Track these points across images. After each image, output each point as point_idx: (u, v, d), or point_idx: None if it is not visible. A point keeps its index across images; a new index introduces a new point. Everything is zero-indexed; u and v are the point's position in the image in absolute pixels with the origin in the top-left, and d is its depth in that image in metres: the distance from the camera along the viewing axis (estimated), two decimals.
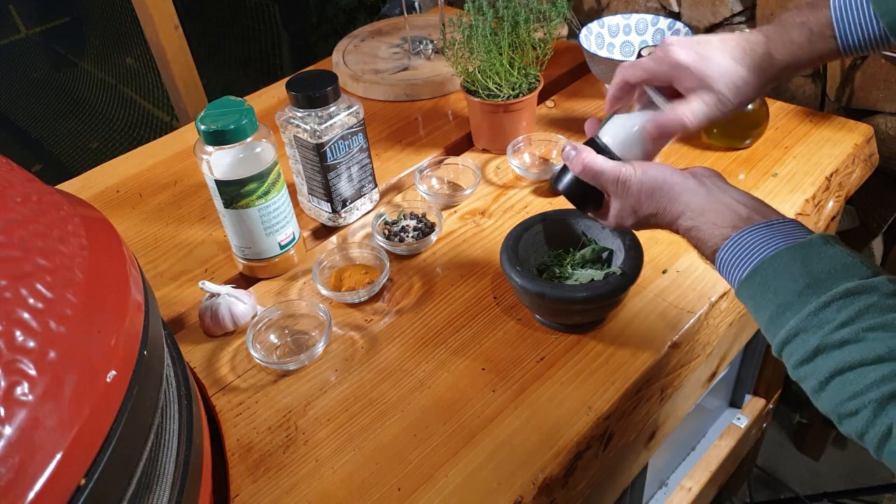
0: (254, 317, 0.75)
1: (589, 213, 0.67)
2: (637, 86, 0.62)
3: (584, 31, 1.07)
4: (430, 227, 0.84)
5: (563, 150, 0.63)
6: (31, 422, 0.35)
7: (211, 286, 0.74)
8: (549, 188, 0.89)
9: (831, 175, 0.87)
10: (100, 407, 0.39)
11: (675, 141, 0.95)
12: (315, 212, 0.88)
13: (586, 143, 0.63)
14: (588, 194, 0.62)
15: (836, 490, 1.41)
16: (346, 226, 0.88)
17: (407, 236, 0.83)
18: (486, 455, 0.61)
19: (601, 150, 0.61)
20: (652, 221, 0.60)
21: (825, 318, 0.45)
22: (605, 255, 0.73)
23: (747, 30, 0.61)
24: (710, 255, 0.55)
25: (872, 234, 1.17)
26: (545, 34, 0.92)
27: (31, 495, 0.34)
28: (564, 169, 0.63)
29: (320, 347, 0.71)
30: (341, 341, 0.73)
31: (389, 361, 0.70)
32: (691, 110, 0.59)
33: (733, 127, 0.91)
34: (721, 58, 0.58)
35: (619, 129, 0.62)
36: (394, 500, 0.59)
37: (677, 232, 0.58)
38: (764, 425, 1.35)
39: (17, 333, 0.37)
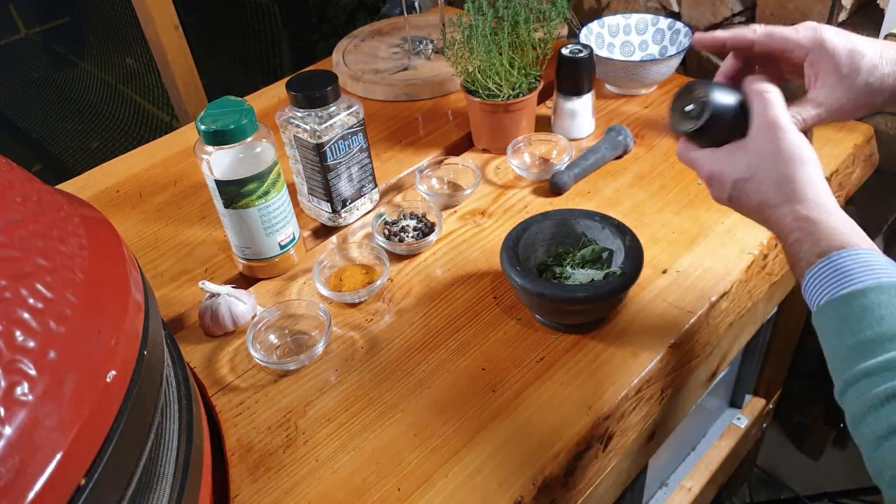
0: (254, 317, 0.75)
1: (691, 142, 0.58)
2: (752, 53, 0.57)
3: (584, 30, 1.07)
4: (430, 227, 0.84)
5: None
6: (31, 422, 0.35)
7: (211, 286, 0.74)
8: (549, 188, 0.89)
9: (831, 175, 0.87)
10: (100, 407, 0.39)
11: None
12: (315, 212, 0.88)
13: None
14: (728, 123, 0.55)
15: (836, 490, 1.41)
16: (346, 226, 0.88)
17: (407, 236, 0.83)
18: (486, 455, 0.61)
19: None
20: (763, 189, 0.52)
21: None
22: (605, 255, 0.73)
23: None
24: (812, 256, 0.48)
25: (872, 235, 1.17)
26: (545, 34, 0.92)
27: (31, 495, 0.34)
28: (720, 86, 0.56)
29: (320, 347, 0.71)
30: (341, 341, 0.73)
31: (389, 361, 0.70)
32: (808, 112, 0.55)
33: None
34: (871, 49, 0.53)
35: None
36: (394, 500, 0.59)
37: (780, 218, 0.52)
38: (764, 425, 1.35)
39: (17, 333, 0.37)
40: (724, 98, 0.55)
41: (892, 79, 0.54)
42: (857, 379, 0.43)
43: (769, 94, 0.54)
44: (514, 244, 0.71)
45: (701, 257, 0.78)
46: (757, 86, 0.55)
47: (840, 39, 0.53)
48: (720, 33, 0.57)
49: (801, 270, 0.49)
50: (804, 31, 0.54)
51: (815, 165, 0.52)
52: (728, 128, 0.55)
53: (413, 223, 0.85)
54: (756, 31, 0.56)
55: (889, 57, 0.53)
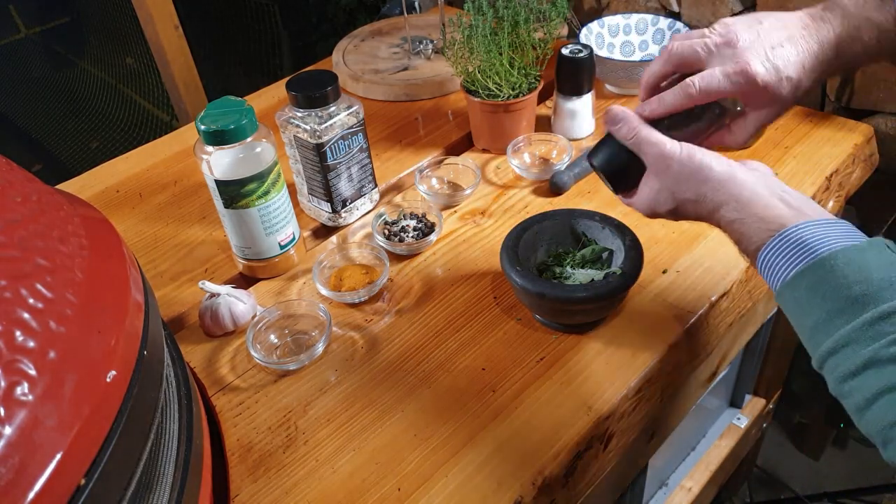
0: (254, 317, 0.75)
1: (620, 196, 0.63)
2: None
3: (584, 30, 1.07)
4: (430, 227, 0.84)
5: (605, 112, 0.59)
6: (31, 422, 0.35)
7: (211, 286, 0.74)
8: (549, 188, 0.89)
9: (831, 175, 0.87)
10: (100, 407, 0.39)
11: None
12: (315, 212, 0.88)
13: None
14: (626, 170, 0.59)
15: (836, 490, 1.41)
16: (346, 226, 0.88)
17: (407, 236, 0.83)
18: (486, 455, 0.61)
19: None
20: (690, 209, 0.56)
21: (882, 330, 0.41)
22: (605, 255, 0.73)
23: (819, 15, 0.56)
24: (752, 252, 0.50)
25: (872, 234, 1.17)
26: (545, 34, 0.92)
27: (31, 495, 0.34)
28: (603, 141, 0.61)
29: (320, 347, 0.71)
30: (341, 341, 0.73)
31: (389, 361, 0.70)
32: (746, 131, 0.59)
33: None
34: (795, 70, 0.55)
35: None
36: (394, 500, 0.59)
37: (718, 225, 0.54)
38: (764, 425, 1.35)
39: (17, 333, 0.37)
40: (609, 152, 0.60)
41: (810, 84, 0.57)
42: (824, 359, 0.44)
43: (634, 129, 0.57)
44: (514, 244, 0.71)
45: (701, 257, 0.78)
46: (618, 126, 0.58)
47: (770, 73, 0.55)
48: (666, 99, 0.59)
49: (755, 265, 0.52)
50: (735, 77, 0.55)
51: (717, 167, 0.54)
52: (637, 167, 0.59)
53: (413, 223, 0.85)
54: (692, 95, 0.57)
55: (809, 66, 0.56)
